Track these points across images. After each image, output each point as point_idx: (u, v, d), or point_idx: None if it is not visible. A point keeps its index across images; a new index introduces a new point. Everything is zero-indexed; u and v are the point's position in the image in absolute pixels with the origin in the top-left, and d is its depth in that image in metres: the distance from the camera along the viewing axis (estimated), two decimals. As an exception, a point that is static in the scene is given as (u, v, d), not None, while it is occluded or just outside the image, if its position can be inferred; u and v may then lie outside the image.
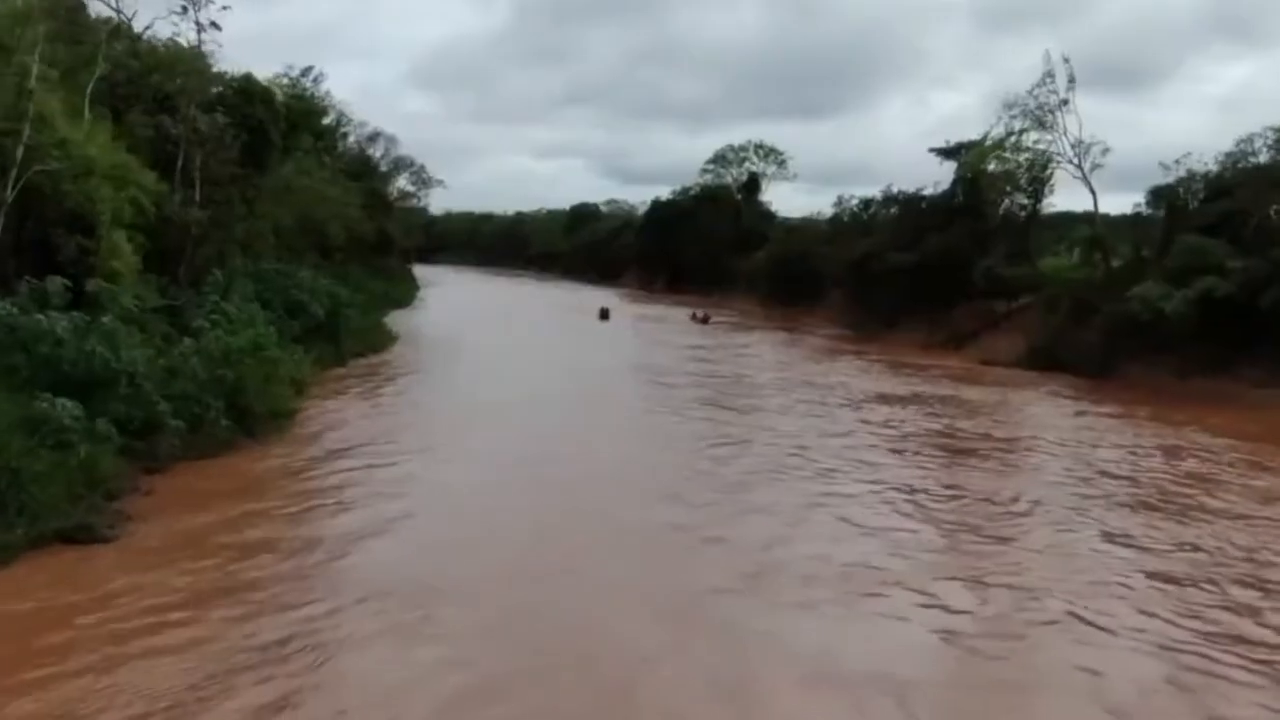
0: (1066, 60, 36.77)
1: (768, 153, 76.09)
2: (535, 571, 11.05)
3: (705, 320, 50.12)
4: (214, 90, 22.41)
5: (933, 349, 39.71)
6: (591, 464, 16.78)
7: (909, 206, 45.65)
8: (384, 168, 60.84)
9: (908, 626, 10.07)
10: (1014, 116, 36.84)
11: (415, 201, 76.67)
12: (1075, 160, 37.05)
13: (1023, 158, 37.94)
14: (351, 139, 52.03)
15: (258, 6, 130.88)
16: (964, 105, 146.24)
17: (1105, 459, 19.51)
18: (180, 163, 19.23)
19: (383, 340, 32.41)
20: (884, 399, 26.69)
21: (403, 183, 71.52)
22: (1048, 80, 36.25)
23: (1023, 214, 41.68)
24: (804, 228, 61.83)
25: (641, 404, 24.20)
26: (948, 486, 16.45)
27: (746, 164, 77.14)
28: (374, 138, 56.71)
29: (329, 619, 9.34)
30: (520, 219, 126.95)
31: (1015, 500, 15.68)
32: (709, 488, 15.50)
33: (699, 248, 72.90)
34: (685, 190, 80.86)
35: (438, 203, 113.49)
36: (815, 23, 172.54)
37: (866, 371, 33.36)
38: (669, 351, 36.72)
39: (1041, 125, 36.08)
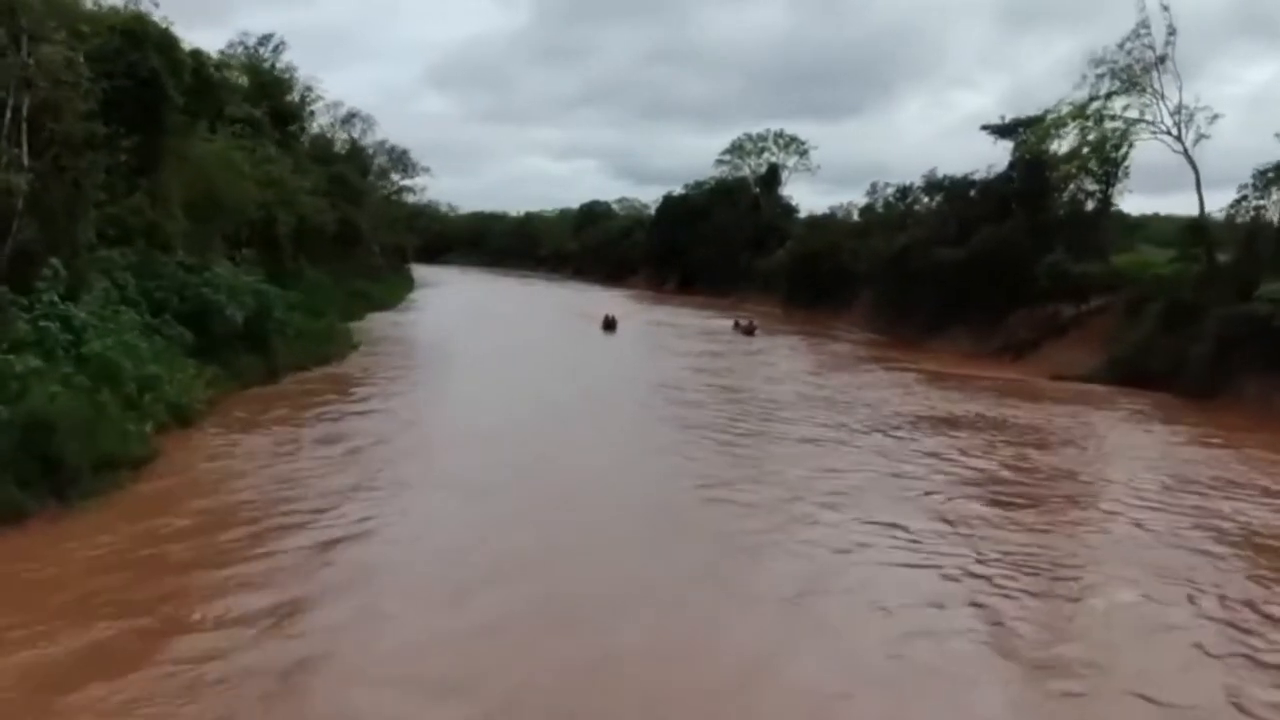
0: (1165, 7, 30.07)
1: (788, 142, 70.64)
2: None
3: (751, 331, 41.82)
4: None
5: (985, 359, 34.22)
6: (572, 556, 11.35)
7: (955, 194, 39.89)
8: (370, 153, 55.89)
9: None
10: (1101, 76, 30.37)
11: (412, 196, 71.99)
12: (1174, 131, 30.53)
13: (1110, 127, 31.54)
14: (326, 119, 47.27)
15: (274, 8, 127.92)
16: (983, 105, 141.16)
17: (1250, 517, 14.06)
18: (8, 114, 14.07)
19: (337, 349, 27.13)
20: (930, 423, 21.19)
21: (396, 176, 66.83)
22: (1142, 32, 29.94)
23: (1091, 201, 35.78)
24: (830, 221, 56.11)
25: (638, 444, 18.63)
26: (1028, 579, 10.89)
27: (766, 154, 71.71)
28: (349, 119, 51.60)
29: None
30: (529, 219, 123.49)
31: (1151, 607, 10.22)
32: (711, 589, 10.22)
33: (713, 246, 67.93)
34: (699, 184, 75.63)
35: (451, 202, 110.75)
36: (832, 21, 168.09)
37: (906, 386, 27.88)
38: (680, 362, 31.39)
39: (1134, 87, 29.85)
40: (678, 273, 74.16)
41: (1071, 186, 35.71)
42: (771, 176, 71.38)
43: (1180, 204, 61.16)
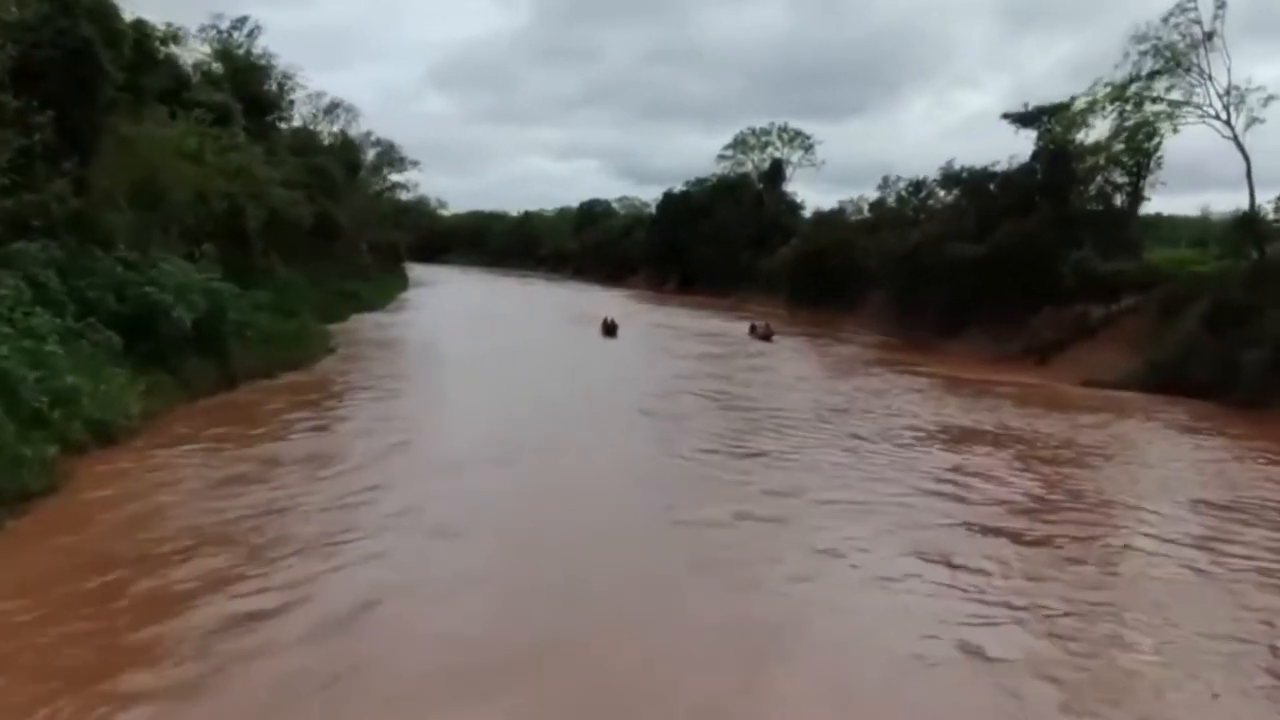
0: None
1: (793, 136, 68.32)
2: None
3: (768, 336, 38.09)
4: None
5: (1006, 363, 32.08)
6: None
7: (974, 187, 37.54)
8: (360, 144, 53.70)
9: None
10: (1144, 53, 27.89)
11: (405, 193, 69.96)
12: (1223, 115, 28.06)
13: (1152, 110, 29.00)
14: (308, 109, 45.13)
15: (276, 8, 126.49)
16: (986, 105, 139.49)
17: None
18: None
19: (310, 353, 25.00)
20: (948, 436, 19.04)
21: (394, 175, 64.72)
22: (1188, 5, 27.34)
23: (1120, 195, 33.42)
24: (838, 217, 53.79)
25: (637, 476, 16.51)
26: (1071, 651, 8.56)
27: (769, 149, 69.43)
28: (332, 110, 49.39)
29: None
30: (528, 218, 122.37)
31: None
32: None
33: (714, 244, 65.89)
34: (700, 181, 73.44)
35: (440, 197, 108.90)
36: (833, 21, 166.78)
37: (921, 392, 25.72)
38: (684, 369, 29.27)
39: (1178, 67, 27.39)
40: (678, 272, 72.14)
41: (1099, 179, 33.40)
42: (775, 172, 69.15)
43: (1188, 204, 59.04)
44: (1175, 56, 27.27)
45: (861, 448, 17.55)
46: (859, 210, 51.46)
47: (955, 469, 15.99)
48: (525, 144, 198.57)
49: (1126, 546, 12.25)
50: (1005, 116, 35.78)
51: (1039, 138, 34.45)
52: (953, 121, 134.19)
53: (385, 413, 18.77)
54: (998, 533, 12.22)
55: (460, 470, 14.07)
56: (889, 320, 41.55)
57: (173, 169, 19.45)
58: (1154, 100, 28.71)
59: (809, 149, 68.65)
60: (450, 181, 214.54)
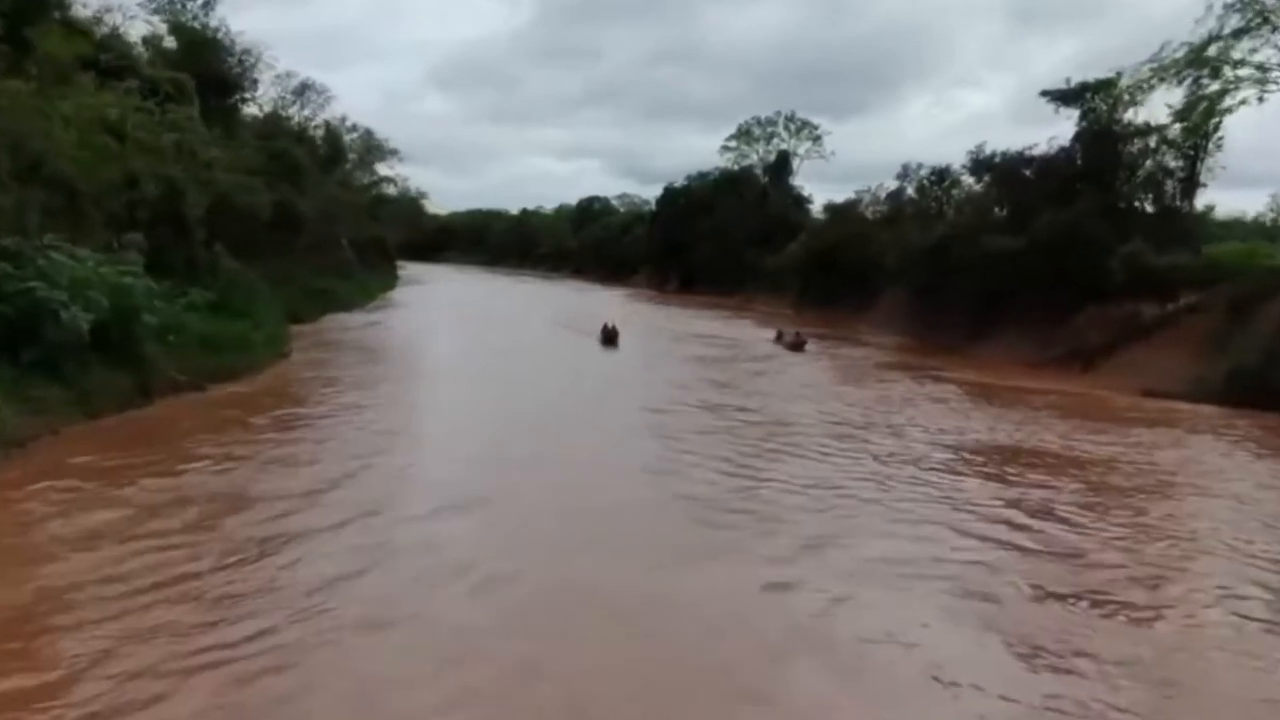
0: None
1: (800, 126, 64.95)
2: None
3: (799, 345, 33.06)
4: None
5: (1046, 368, 28.81)
6: None
7: (1007, 174, 34.11)
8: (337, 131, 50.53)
9: None
10: (1229, 7, 24.35)
11: (393, 187, 66.80)
12: None
13: (1235, 75, 25.34)
14: (276, 91, 41.95)
15: (278, 7, 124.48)
16: (988, 104, 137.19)
17: None
18: None
19: (257, 359, 21.68)
20: (985, 459, 15.88)
21: (381, 167, 61.46)
22: None
23: (1171, 181, 30.04)
24: (853, 210, 50.39)
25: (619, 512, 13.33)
26: None
27: (775, 140, 66.09)
28: (301, 92, 46.12)
29: None
30: (526, 216, 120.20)
31: None
32: None
33: (717, 242, 62.79)
34: (702, 175, 70.14)
35: (453, 203, 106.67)
36: (835, 20, 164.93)
37: (946, 403, 22.51)
38: (705, 377, 26.04)
39: (1265, 23, 23.79)
40: (680, 271, 69.02)
41: (1149, 163, 30.00)
42: (782, 164, 65.85)
43: (1237, 200, 55.68)
44: (1263, 12, 23.76)
45: (885, 473, 14.35)
46: (875, 201, 48.14)
47: (997, 503, 12.74)
48: (527, 144, 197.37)
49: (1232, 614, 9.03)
50: (1044, 94, 32.30)
51: (1081, 117, 31.10)
52: (954, 121, 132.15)
53: (321, 437, 15.42)
54: (1062, 601, 9.13)
55: (404, 532, 10.74)
56: (908, 321, 38.44)
57: (49, 136, 16.04)
58: (1235, 65, 25.03)
59: (817, 140, 65.40)
60: (451, 181, 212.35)
